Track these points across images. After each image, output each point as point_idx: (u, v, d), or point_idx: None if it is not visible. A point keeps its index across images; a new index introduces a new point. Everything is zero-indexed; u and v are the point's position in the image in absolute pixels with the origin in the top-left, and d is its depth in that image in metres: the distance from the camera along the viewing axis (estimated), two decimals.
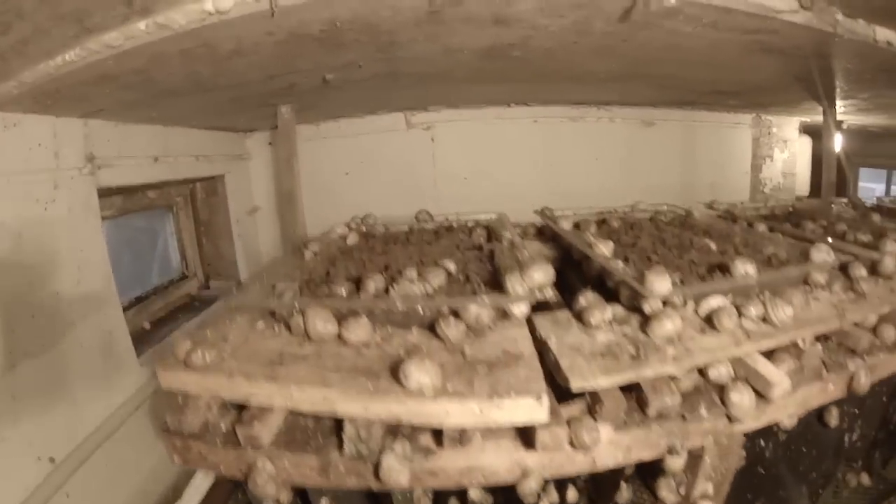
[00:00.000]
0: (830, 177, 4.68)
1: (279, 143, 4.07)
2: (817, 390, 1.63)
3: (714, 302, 1.62)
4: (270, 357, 1.46)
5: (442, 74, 3.17)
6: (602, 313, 1.57)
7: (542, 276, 1.68)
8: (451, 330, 1.46)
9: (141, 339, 3.20)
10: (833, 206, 3.59)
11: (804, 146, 6.09)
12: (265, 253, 5.01)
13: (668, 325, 1.48)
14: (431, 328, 1.57)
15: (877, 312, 1.86)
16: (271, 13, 1.62)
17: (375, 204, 4.26)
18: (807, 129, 6.08)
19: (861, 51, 2.66)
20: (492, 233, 2.80)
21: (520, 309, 1.59)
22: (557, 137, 5.29)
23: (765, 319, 1.60)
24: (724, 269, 1.95)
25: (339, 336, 1.50)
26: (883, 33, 2.51)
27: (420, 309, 1.58)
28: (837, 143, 7.34)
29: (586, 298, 1.66)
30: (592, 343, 1.48)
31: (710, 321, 1.59)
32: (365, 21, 1.90)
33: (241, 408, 1.50)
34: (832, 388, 1.66)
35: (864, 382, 1.66)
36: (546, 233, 3.29)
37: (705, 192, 5.39)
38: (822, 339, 1.84)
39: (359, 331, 1.48)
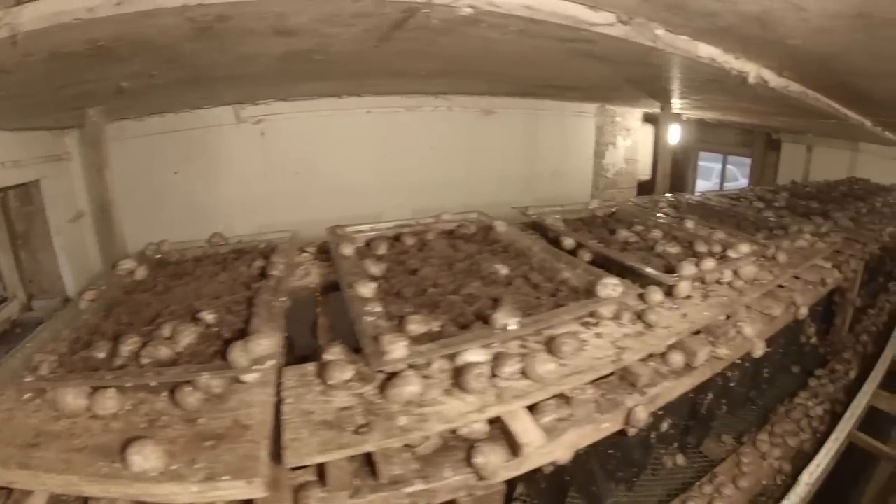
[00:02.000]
0: (665, 168, 4.51)
1: (87, 151, 3.47)
2: (589, 431, 1.51)
3: (468, 357, 1.44)
4: (28, 437, 1.36)
5: (251, 76, 3.03)
6: (342, 373, 1.44)
7: (267, 346, 1.50)
8: (188, 399, 1.38)
9: None
10: (659, 202, 3.25)
11: (647, 134, 6.08)
12: (99, 262, 4.28)
13: (406, 389, 1.35)
14: None
15: (662, 346, 1.73)
16: (13, 42, 1.61)
17: (205, 204, 4.10)
18: (649, 119, 6.06)
19: (685, 64, 2.60)
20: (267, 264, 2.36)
21: (250, 377, 1.46)
22: (392, 128, 4.91)
23: (524, 373, 1.44)
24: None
25: (90, 408, 1.41)
26: (706, 50, 2.44)
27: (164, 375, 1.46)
28: (675, 135, 7.77)
29: (332, 353, 1.51)
30: (326, 408, 1.37)
31: (459, 381, 1.41)
32: (133, 39, 1.87)
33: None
34: (607, 426, 1.56)
35: (641, 417, 1.56)
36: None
37: (548, 180, 5.37)
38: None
39: (106, 404, 1.40)
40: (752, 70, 2.68)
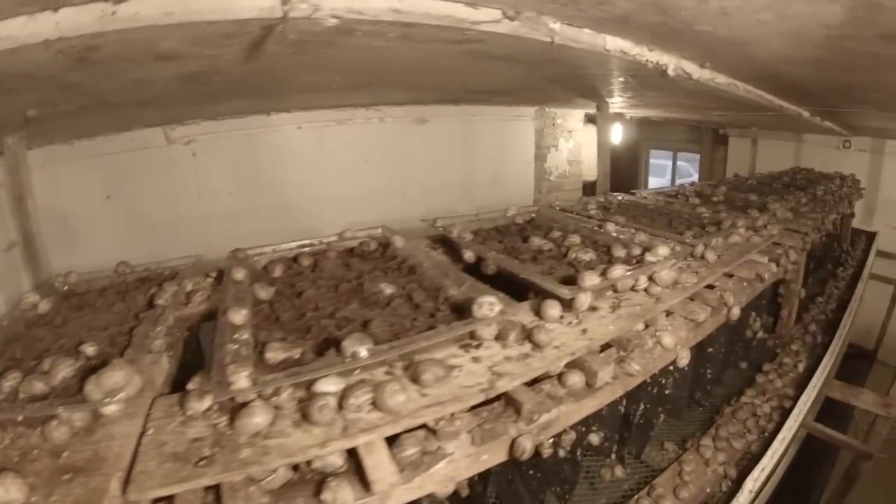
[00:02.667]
0: (606, 168, 4.37)
1: (6, 180, 3.16)
2: (466, 464, 1.37)
3: (319, 387, 1.34)
4: None
5: (161, 99, 2.90)
6: (200, 403, 1.36)
7: (119, 378, 1.41)
8: (54, 433, 1.33)
9: None
10: (588, 204, 3.08)
11: (590, 135, 5.93)
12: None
13: (252, 421, 1.27)
14: None
15: (553, 367, 1.53)
16: None
17: (139, 228, 3.98)
18: (593, 119, 5.89)
19: (597, 59, 2.42)
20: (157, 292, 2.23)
21: (110, 410, 1.39)
22: (324, 142, 4.71)
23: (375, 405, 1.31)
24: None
25: None
26: (615, 42, 2.27)
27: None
28: (617, 135, 7.76)
29: (193, 382, 1.43)
30: (180, 439, 1.30)
31: (306, 412, 1.32)
32: (14, 73, 1.77)
33: None
34: (486, 458, 1.41)
35: (526, 448, 1.39)
36: None
37: (488, 186, 5.21)
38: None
39: None
40: (671, 62, 2.55)
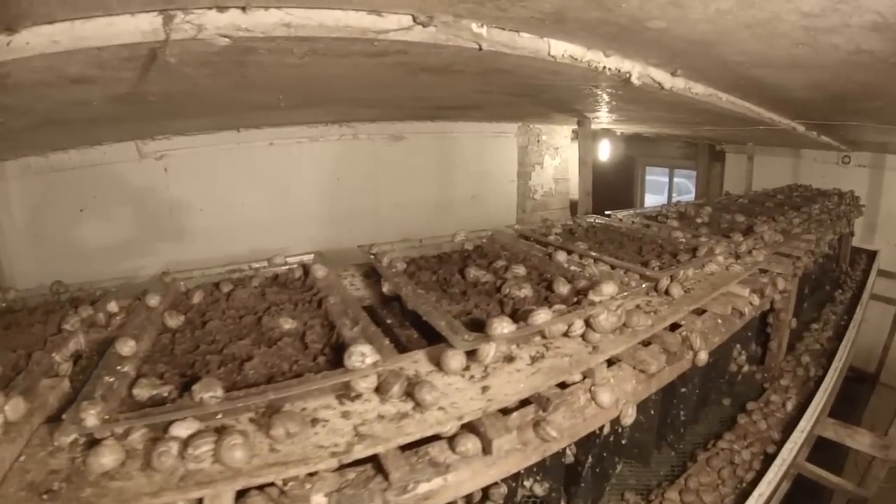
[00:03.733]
0: (586, 186, 4.03)
1: None
2: None
3: (172, 431, 1.18)
4: None
5: (106, 117, 2.80)
6: (65, 435, 1.20)
7: None
8: None
9: None
10: (553, 227, 2.72)
11: (577, 152, 5.47)
12: None
13: (98, 460, 1.13)
14: None
15: (427, 432, 1.21)
16: None
17: (112, 242, 3.88)
18: None
19: (546, 68, 2.09)
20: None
21: None
22: (297, 160, 4.44)
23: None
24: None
25: None
26: (560, 47, 1.95)
27: None
28: (605, 151, 7.42)
29: (66, 413, 1.25)
30: (42, 468, 1.16)
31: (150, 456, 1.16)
32: None
33: None
34: None
35: None
36: None
37: (468, 205, 4.93)
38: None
39: None
40: (634, 69, 2.21)
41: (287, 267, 2.18)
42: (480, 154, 4.96)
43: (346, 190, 4.48)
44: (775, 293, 2.77)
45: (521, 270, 1.97)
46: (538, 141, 5.25)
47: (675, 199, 9.32)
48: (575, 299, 1.66)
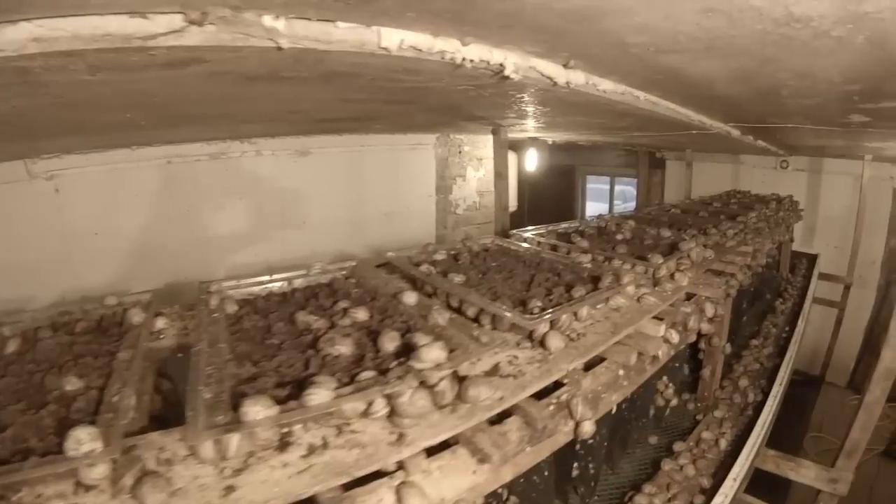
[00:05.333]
0: (502, 201, 3.55)
1: None
2: None
3: None
4: None
5: None
6: None
7: None
8: None
9: None
10: (434, 254, 2.19)
11: (509, 161, 4.97)
12: None
13: None
14: None
15: None
16: None
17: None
18: (513, 146, 5.07)
19: (384, 64, 1.56)
20: None
21: None
22: (196, 179, 3.90)
23: None
24: None
25: None
26: (395, 36, 1.41)
27: None
28: (532, 161, 6.98)
29: None
30: None
31: None
32: None
33: None
34: None
35: None
36: None
37: (382, 223, 4.45)
38: None
39: None
40: (508, 60, 1.70)
41: (123, 308, 1.65)
42: (395, 168, 4.52)
43: (248, 210, 3.97)
44: (703, 322, 2.31)
45: (361, 315, 1.47)
46: (459, 152, 4.82)
47: (619, 206, 8.95)
48: (396, 362, 1.15)
